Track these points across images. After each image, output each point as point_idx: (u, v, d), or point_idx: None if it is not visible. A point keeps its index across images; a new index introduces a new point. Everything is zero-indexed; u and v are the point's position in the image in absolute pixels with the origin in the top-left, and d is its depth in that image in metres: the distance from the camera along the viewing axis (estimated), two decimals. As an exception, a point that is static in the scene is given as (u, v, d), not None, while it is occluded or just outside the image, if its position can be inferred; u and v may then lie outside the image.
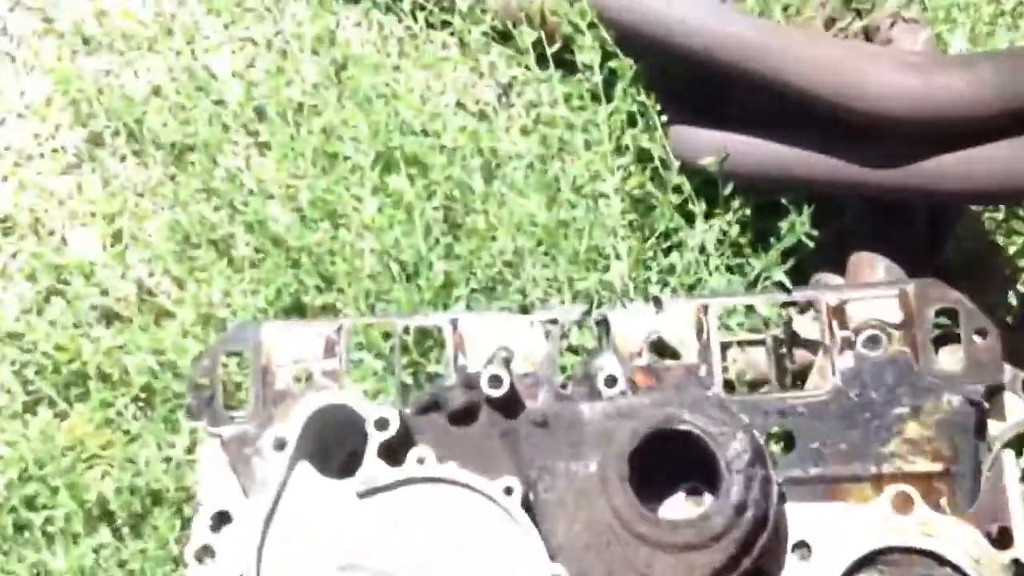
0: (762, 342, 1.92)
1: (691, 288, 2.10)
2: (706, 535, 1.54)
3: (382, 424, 1.56)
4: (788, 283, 1.99)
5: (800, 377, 1.91)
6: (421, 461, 1.55)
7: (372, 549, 1.52)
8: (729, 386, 1.81)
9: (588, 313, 1.76)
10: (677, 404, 1.63)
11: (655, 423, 1.60)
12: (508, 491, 1.55)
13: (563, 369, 1.83)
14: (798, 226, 1.99)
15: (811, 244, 1.99)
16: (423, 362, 2.02)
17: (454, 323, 1.74)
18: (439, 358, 1.97)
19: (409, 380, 1.99)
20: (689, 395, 1.68)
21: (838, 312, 1.71)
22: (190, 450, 2.00)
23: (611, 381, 1.70)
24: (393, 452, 1.56)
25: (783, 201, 2.03)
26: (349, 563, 1.51)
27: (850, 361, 1.68)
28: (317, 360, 1.72)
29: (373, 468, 1.54)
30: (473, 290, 2.08)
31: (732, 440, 1.58)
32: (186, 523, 1.95)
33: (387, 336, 2.00)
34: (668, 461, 1.62)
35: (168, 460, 2.02)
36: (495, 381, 1.64)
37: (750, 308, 1.98)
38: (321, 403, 1.57)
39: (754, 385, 1.91)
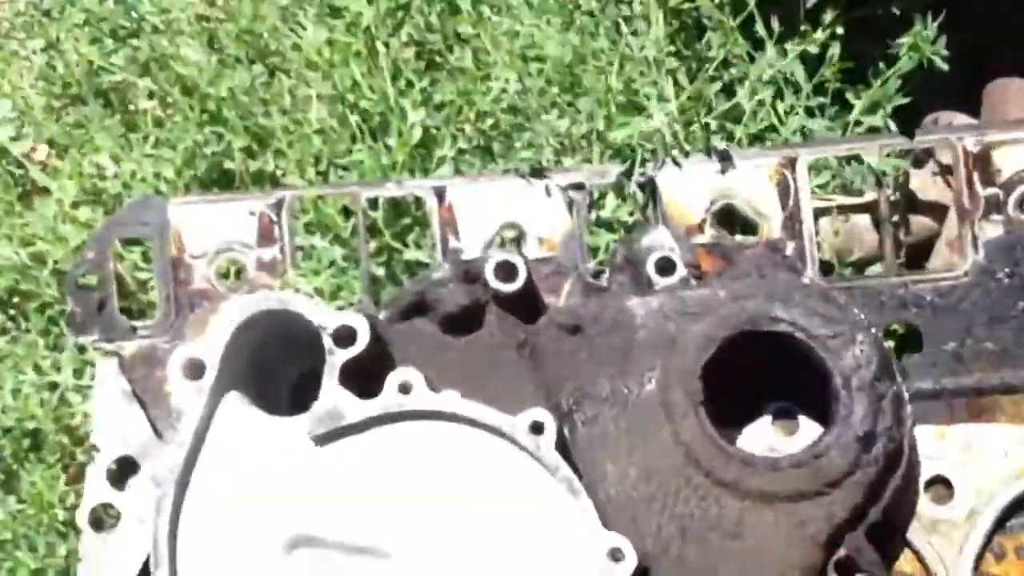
0: (870, 206, 1.73)
1: (757, 139, 1.85)
2: (822, 479, 1.37)
3: (345, 336, 1.35)
4: (894, 127, 1.74)
5: (920, 254, 1.74)
6: (405, 389, 1.33)
7: (334, 515, 1.31)
8: (826, 269, 1.66)
9: (628, 174, 1.60)
10: (764, 295, 1.45)
11: (737, 323, 1.42)
12: (536, 428, 1.32)
13: (594, 252, 1.70)
14: (921, 42, 1.70)
15: (944, 67, 1.71)
16: (399, 248, 1.82)
17: (440, 193, 1.60)
18: (421, 242, 1.81)
19: (380, 272, 1.80)
20: (780, 283, 1.50)
21: (980, 162, 1.53)
22: (79, 375, 1.84)
23: (666, 266, 1.51)
24: (362, 376, 1.35)
25: (894, 11, 1.82)
26: (301, 535, 1.30)
27: (997, 229, 1.52)
28: (249, 248, 1.59)
29: (334, 400, 1.32)
30: (462, 150, 1.89)
31: (850, 345, 1.41)
32: (77, 475, 1.80)
33: (347, 213, 1.82)
34: (744, 375, 1.46)
35: (51, 388, 1.85)
36: (506, 270, 1.45)
37: (849, 162, 1.77)
38: (253, 309, 1.35)
39: (860, 266, 1.76)
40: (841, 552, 1.38)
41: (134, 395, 1.54)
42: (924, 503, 1.44)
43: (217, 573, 1.28)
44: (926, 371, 1.48)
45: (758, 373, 1.47)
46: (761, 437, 1.51)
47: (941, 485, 1.44)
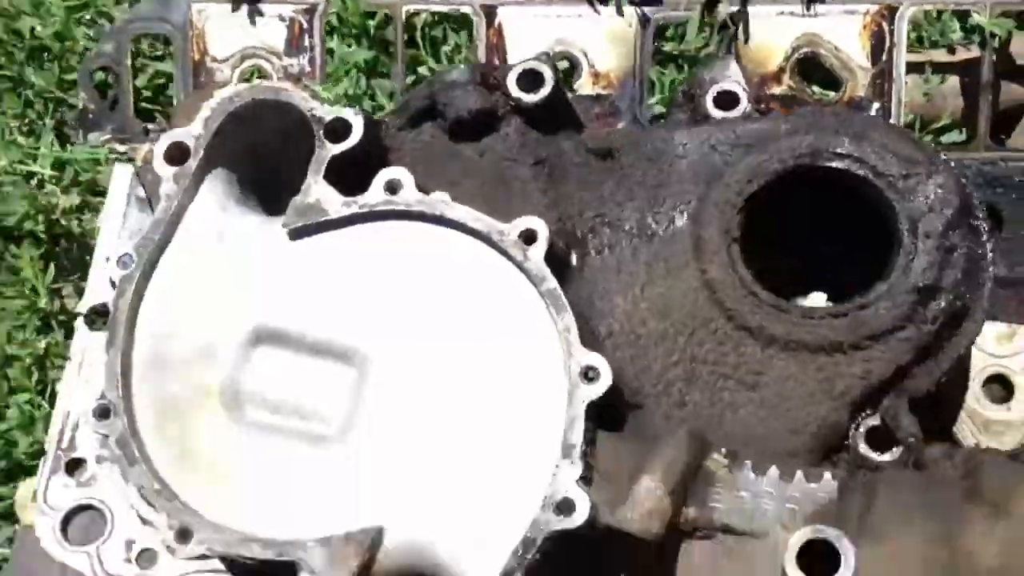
0: (964, 66, 1.65)
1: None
2: (863, 331, 1.31)
3: (339, 130, 1.33)
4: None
5: (1003, 125, 1.65)
6: (392, 188, 1.31)
7: (302, 310, 1.31)
8: (908, 133, 1.64)
9: (711, 5, 1.58)
10: (833, 129, 1.38)
11: (792, 156, 1.35)
12: (528, 238, 1.28)
13: (654, 88, 1.64)
14: None
15: None
16: (436, 69, 1.79)
17: (489, 11, 1.59)
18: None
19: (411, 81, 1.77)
20: (856, 120, 1.42)
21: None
22: (57, 167, 1.79)
23: (727, 99, 1.45)
24: (357, 178, 1.33)
25: None
26: (265, 328, 1.31)
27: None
28: (276, 55, 1.61)
29: (316, 194, 1.31)
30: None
31: (923, 184, 1.33)
32: (65, 269, 1.80)
33: (386, 22, 1.74)
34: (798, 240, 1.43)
35: (26, 179, 1.80)
36: (530, 79, 1.39)
37: (939, 16, 1.68)
38: (245, 98, 1.34)
39: (941, 132, 1.69)
40: (875, 419, 1.33)
41: (148, 204, 1.55)
42: (979, 401, 1.42)
43: (171, 360, 1.28)
44: (1002, 257, 1.42)
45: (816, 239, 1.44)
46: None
47: (999, 385, 1.42)
